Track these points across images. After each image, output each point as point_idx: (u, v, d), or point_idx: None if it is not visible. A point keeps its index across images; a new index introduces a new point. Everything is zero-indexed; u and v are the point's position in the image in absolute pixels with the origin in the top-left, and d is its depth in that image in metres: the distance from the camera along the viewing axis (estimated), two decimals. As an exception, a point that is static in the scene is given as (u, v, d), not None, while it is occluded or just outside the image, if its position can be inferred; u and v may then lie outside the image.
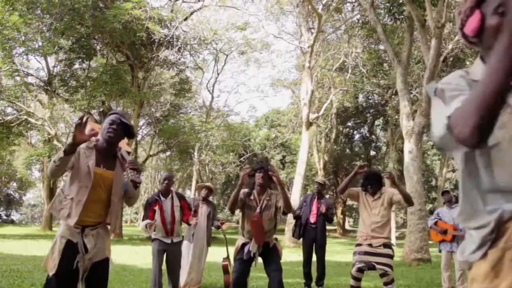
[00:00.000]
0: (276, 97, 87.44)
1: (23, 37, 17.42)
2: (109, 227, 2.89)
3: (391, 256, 4.48)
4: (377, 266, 4.42)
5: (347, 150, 35.57)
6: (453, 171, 37.79)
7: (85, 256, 2.71)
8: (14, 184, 47.18)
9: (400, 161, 29.06)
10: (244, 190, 4.17)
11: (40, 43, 17.91)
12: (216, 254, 7.83)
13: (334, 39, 24.70)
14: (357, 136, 35.52)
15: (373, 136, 33.71)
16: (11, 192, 49.82)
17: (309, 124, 17.56)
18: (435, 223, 6.54)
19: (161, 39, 19.00)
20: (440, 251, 6.70)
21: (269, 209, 4.12)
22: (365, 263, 4.46)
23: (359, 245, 4.61)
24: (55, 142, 20.35)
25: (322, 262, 6.58)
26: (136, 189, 2.84)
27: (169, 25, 19.29)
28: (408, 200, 4.47)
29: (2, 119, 20.21)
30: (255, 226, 3.99)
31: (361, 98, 30.98)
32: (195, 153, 27.82)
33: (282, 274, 4.02)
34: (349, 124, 33.45)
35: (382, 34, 11.73)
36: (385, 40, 11.83)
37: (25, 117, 20.40)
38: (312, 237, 6.55)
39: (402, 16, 11.82)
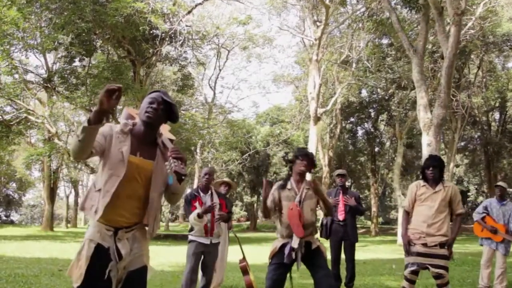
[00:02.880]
0: (278, 93, 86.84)
1: (21, 33, 16.93)
2: (147, 229, 2.38)
3: (447, 257, 4.02)
4: (432, 269, 3.97)
5: (350, 146, 35.19)
6: (457, 166, 37.51)
7: (119, 264, 2.23)
8: (14, 184, 46.68)
9: (404, 156, 28.75)
10: (277, 184, 3.73)
11: (39, 40, 17.41)
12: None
13: (337, 34, 24.34)
14: (360, 132, 35.17)
15: (377, 132, 33.29)
16: (11, 193, 49.33)
17: (317, 119, 17.11)
18: (483, 218, 6.09)
19: (164, 33, 18.54)
20: (481, 245, 6.27)
21: (311, 199, 3.64)
22: (419, 264, 4.01)
23: (411, 244, 4.12)
24: (55, 140, 19.87)
25: (353, 262, 6.12)
26: (180, 183, 2.31)
27: (171, 19, 18.81)
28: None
29: (1, 117, 19.75)
30: (292, 217, 3.48)
31: (364, 93, 30.62)
32: (198, 151, 27.38)
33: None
34: (352, 119, 33.07)
35: (397, 23, 11.27)
36: (400, 29, 11.38)
37: (24, 115, 19.92)
38: (340, 236, 6.08)
39: (417, 4, 11.38)
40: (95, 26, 17.02)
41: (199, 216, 4.51)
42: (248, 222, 42.59)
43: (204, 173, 4.85)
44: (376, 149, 34.31)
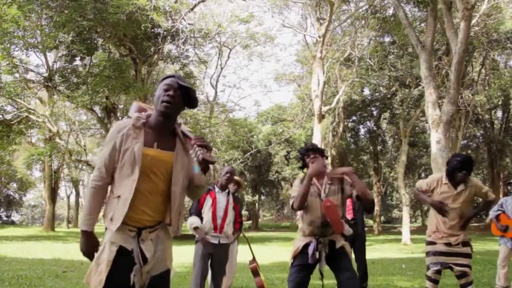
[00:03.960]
0: (279, 92, 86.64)
1: (22, 32, 16.75)
2: (170, 228, 2.17)
3: (470, 256, 3.84)
4: (456, 268, 3.79)
5: (353, 145, 35.02)
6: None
7: (143, 268, 2.02)
8: (14, 184, 46.50)
9: (407, 155, 28.59)
10: (298, 181, 3.53)
11: (40, 38, 17.23)
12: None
13: (339, 32, 24.19)
14: (362, 131, 35.01)
15: (379, 130, 33.13)
16: (11, 193, 49.16)
17: (322, 117, 16.93)
18: (497, 216, 5.92)
19: (165, 31, 18.36)
20: (500, 245, 6.10)
21: (334, 195, 3.43)
22: (442, 264, 3.83)
23: (432, 243, 3.93)
24: (56, 140, 19.70)
25: (364, 262, 5.92)
26: (205, 174, 2.13)
27: (173, 17, 18.63)
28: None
29: (2, 116, 19.57)
30: (330, 213, 3.23)
31: (367, 91, 30.48)
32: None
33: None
34: (355, 118, 32.91)
35: (405, 18, 11.09)
36: (408, 25, 11.19)
37: (25, 114, 19.74)
38: (351, 235, 5.88)
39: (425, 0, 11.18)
40: (96, 24, 16.84)
41: (195, 229, 4.37)
42: (250, 222, 42.42)
43: (225, 171, 4.65)
44: (379, 147, 34.15)
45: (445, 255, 3.84)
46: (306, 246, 3.39)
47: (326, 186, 3.45)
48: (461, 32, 9.74)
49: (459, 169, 3.81)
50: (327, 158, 3.55)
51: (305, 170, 3.62)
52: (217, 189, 4.61)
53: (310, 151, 3.51)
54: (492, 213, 6.00)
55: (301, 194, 3.34)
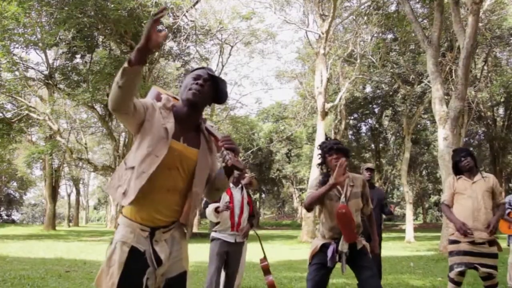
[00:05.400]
0: (280, 90, 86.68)
1: (22, 29, 16.58)
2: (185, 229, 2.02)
3: (497, 256, 3.69)
4: (481, 269, 3.63)
5: (354, 143, 34.88)
6: (461, 161, 37.14)
7: (158, 271, 1.87)
8: (15, 183, 46.38)
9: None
10: (315, 181, 3.37)
11: (40, 36, 17.06)
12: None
13: (341, 29, 24.06)
14: (364, 128, 34.87)
15: (381, 128, 32.99)
16: (12, 192, 49.05)
17: (325, 114, 16.78)
18: (508, 214, 5.80)
19: (167, 28, 18.19)
20: (508, 245, 5.98)
21: (356, 198, 3.26)
22: (466, 265, 3.67)
23: (455, 242, 3.77)
24: (57, 138, 19.55)
25: (379, 261, 5.77)
26: (229, 179, 1.99)
27: (175, 13, 18.46)
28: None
29: (2, 115, 19.42)
30: (343, 220, 3.09)
31: (369, 88, 30.33)
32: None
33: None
34: (356, 115, 32.77)
35: (411, 13, 10.94)
36: (414, 19, 11.03)
37: (26, 112, 19.59)
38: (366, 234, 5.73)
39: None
40: (97, 21, 16.67)
41: (217, 211, 4.22)
42: (251, 220, 42.28)
43: None
44: (380, 145, 34.01)
45: (470, 254, 3.69)
46: (324, 245, 3.25)
47: (348, 189, 3.27)
48: (469, 27, 9.58)
49: (459, 159, 3.87)
50: (349, 157, 3.37)
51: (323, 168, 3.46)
52: (231, 185, 4.49)
53: (333, 151, 3.29)
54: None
55: (316, 197, 3.18)
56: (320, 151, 3.40)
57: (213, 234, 4.41)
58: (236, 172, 1.98)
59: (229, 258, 4.39)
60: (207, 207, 4.30)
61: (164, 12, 1.62)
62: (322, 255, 3.21)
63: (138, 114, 1.84)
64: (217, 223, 4.38)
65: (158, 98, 2.08)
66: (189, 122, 2.00)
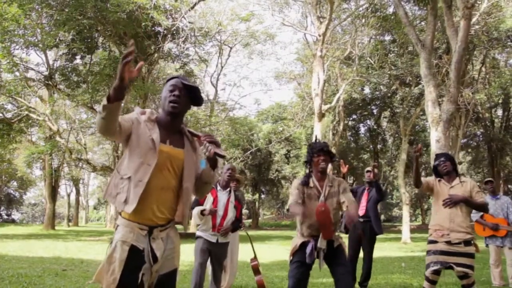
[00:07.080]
0: (279, 91, 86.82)
1: (22, 30, 16.74)
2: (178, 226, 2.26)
3: (473, 256, 3.83)
4: (457, 268, 3.78)
5: (353, 144, 35.01)
6: (459, 163, 37.31)
7: (153, 267, 2.05)
8: (15, 183, 46.54)
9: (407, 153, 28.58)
10: (298, 181, 3.55)
11: (40, 37, 17.22)
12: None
13: (339, 31, 24.20)
14: (362, 129, 35.00)
15: (379, 129, 33.12)
16: (12, 192, 49.20)
17: (322, 115, 16.92)
18: (481, 217, 5.95)
19: (166, 30, 18.34)
20: (487, 245, 6.14)
21: (333, 197, 3.46)
22: (442, 263, 3.82)
23: (433, 242, 3.91)
24: (57, 138, 19.70)
25: (370, 260, 5.92)
26: (214, 170, 2.21)
27: (173, 15, 18.61)
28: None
29: (3, 115, 19.57)
30: (322, 218, 3.28)
31: (367, 90, 30.47)
32: (200, 148, 27.18)
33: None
34: (355, 116, 32.90)
35: (405, 17, 11.09)
36: (408, 23, 11.18)
37: (26, 113, 19.74)
38: (359, 232, 5.86)
39: (425, -2, 11.19)
40: (96, 22, 16.83)
41: (202, 213, 4.42)
42: (250, 220, 42.45)
43: (226, 168, 4.74)
44: (379, 146, 34.15)
45: (446, 254, 3.81)
46: (303, 243, 3.43)
47: (327, 189, 3.47)
48: (461, 31, 9.74)
49: (437, 164, 4.09)
50: (334, 161, 3.59)
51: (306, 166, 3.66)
52: (218, 188, 4.67)
53: (321, 152, 3.48)
54: (475, 215, 6.05)
55: (300, 213, 3.27)
56: (309, 151, 3.59)
57: (197, 233, 4.62)
58: (220, 161, 2.21)
59: (212, 255, 4.58)
60: (194, 208, 4.49)
61: (131, 54, 1.77)
62: (302, 253, 3.39)
63: (124, 131, 2.04)
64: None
65: (142, 112, 2.27)
66: (172, 127, 2.22)
